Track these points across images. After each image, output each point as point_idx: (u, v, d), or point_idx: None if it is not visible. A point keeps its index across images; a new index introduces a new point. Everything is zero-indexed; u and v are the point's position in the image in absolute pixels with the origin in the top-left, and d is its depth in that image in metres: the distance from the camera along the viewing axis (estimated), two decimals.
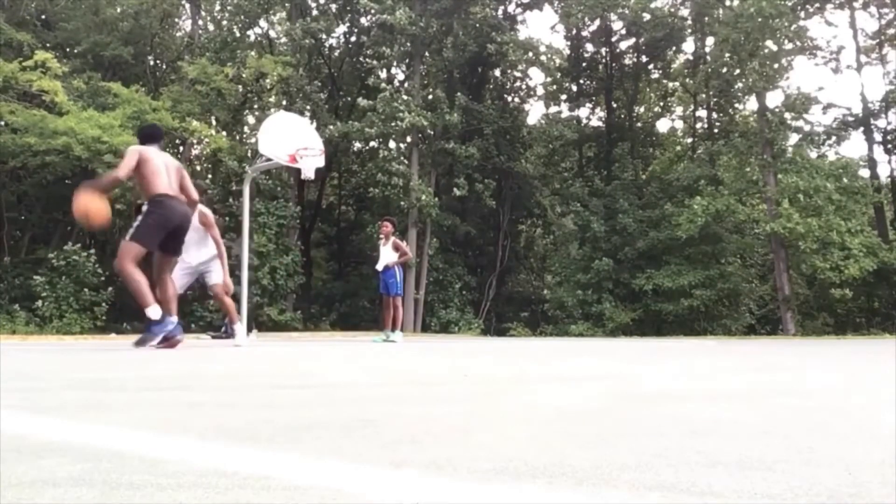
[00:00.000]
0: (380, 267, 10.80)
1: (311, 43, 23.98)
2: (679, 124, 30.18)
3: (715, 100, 25.33)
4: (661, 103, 29.08)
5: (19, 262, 20.71)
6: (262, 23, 25.61)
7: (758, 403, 1.93)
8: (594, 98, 27.69)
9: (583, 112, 27.60)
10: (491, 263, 25.59)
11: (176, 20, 26.46)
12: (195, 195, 6.37)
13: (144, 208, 5.94)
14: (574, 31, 26.37)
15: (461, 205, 24.66)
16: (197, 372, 3.32)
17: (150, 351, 5.46)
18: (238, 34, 24.65)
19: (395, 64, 24.62)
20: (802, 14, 21.13)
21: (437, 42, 23.12)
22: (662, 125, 30.46)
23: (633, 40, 26.24)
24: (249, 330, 12.51)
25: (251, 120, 26.11)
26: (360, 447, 1.19)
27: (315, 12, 25.25)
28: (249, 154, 21.87)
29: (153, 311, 5.57)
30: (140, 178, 5.97)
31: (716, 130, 25.73)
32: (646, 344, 10.10)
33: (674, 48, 26.01)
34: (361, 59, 25.80)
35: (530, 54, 23.47)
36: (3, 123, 18.05)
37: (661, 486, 0.91)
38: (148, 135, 6.39)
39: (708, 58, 23.64)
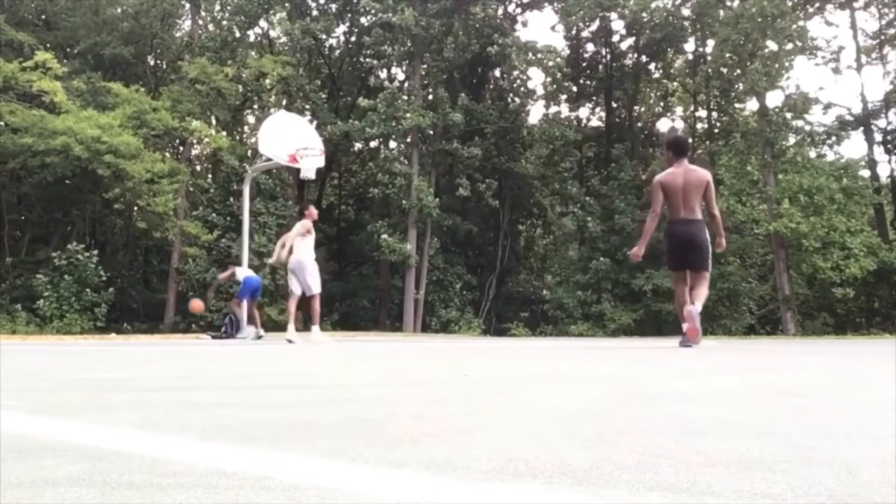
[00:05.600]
0: None
1: (311, 43, 23.97)
2: (679, 124, 30.14)
3: (715, 100, 25.29)
4: (662, 103, 29.05)
5: (19, 263, 20.70)
6: (262, 23, 25.63)
7: (758, 403, 1.93)
8: (594, 98, 27.64)
9: (583, 112, 27.56)
10: (491, 263, 25.57)
11: (176, 20, 26.46)
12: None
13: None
14: (574, 31, 26.33)
15: (462, 205, 24.65)
16: (197, 372, 3.32)
17: (150, 351, 5.47)
18: (238, 34, 24.65)
19: (395, 63, 24.62)
20: (802, 14, 21.13)
21: (437, 42, 23.12)
22: (662, 125, 30.43)
23: (632, 40, 26.21)
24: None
25: (251, 120, 26.14)
26: (360, 447, 1.19)
27: (315, 12, 25.24)
28: (249, 154, 21.87)
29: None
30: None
31: (716, 130, 25.71)
32: (646, 344, 10.09)
33: (674, 48, 25.96)
34: (362, 58, 25.79)
35: (531, 55, 23.47)
36: (2, 124, 18.04)
37: (661, 486, 0.91)
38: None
39: (708, 58, 23.62)
